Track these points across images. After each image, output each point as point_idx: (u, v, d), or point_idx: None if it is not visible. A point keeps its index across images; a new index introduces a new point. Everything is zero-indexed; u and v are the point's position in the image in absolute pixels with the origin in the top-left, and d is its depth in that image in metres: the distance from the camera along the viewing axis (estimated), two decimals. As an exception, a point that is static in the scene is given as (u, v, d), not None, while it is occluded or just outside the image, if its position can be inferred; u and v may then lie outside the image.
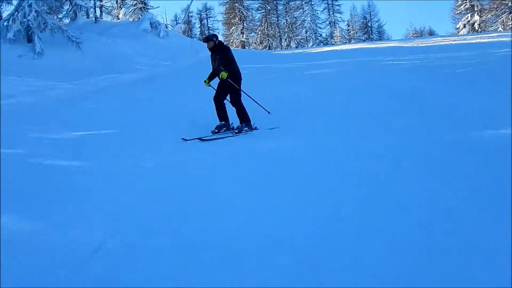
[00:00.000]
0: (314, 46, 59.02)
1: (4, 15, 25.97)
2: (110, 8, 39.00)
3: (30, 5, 22.39)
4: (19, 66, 18.98)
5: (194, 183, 6.31)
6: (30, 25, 22.37)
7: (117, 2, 37.85)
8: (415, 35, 69.30)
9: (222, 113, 9.52)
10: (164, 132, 9.75)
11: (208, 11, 74.70)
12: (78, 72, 19.72)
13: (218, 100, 9.54)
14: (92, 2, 35.56)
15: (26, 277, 3.96)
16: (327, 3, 67.54)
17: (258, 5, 67.78)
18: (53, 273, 3.96)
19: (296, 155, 7.31)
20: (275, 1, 67.17)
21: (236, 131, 9.29)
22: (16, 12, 23.01)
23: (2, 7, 26.53)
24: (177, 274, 3.89)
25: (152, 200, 5.71)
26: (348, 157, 6.95)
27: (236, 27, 65.45)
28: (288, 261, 3.93)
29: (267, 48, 63.39)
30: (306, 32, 65.16)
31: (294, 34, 64.92)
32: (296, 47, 59.58)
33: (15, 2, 23.91)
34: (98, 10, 37.15)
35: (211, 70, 9.97)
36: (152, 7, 37.06)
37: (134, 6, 36.35)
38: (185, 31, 53.53)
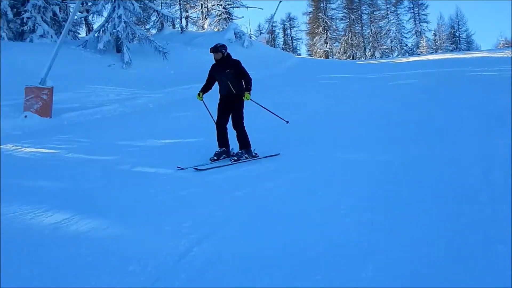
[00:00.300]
0: (399, 56, 57.74)
1: (95, 26, 27.02)
2: (196, 18, 39.84)
3: (119, 16, 23.12)
4: (108, 76, 19.61)
5: (272, 195, 6.22)
6: (119, 35, 23.09)
7: (202, 12, 38.53)
8: (506, 45, 66.26)
9: (224, 139, 8.46)
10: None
11: (291, 21, 74.96)
12: (164, 81, 20.14)
13: (223, 125, 8.45)
14: (178, 12, 36.44)
15: (109, 283, 3.99)
16: (413, 12, 65.94)
17: (342, 14, 67.22)
18: (138, 279, 4.01)
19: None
20: (359, 11, 66.42)
21: (235, 158, 8.20)
22: (106, 23, 23.84)
23: (93, 18, 27.59)
24: (259, 282, 3.86)
25: (234, 210, 5.71)
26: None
27: (320, 37, 65.10)
28: None
29: (351, 58, 62.58)
30: (391, 41, 63.87)
31: (379, 44, 63.86)
32: (381, 57, 58.49)
33: (105, 14, 24.76)
34: (184, 20, 38.05)
35: (209, 83, 8.89)
36: (237, 17, 37.35)
37: (219, 16, 36.81)
38: (268, 40, 53.79)
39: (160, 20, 32.07)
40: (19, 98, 13.88)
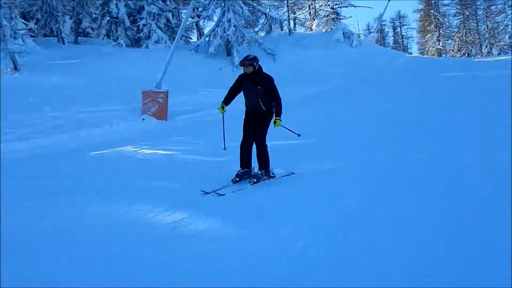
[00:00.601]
0: (519, 52, 54.61)
1: (206, 31, 27.80)
2: (303, 19, 39.87)
3: (229, 20, 23.61)
4: (219, 79, 20.02)
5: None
6: (229, 39, 23.59)
7: (310, 13, 38.50)
8: None
9: (248, 159, 7.65)
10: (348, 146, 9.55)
11: (401, 19, 72.99)
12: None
13: (249, 144, 7.64)
14: (286, 14, 36.62)
15: (228, 283, 4.10)
16: (534, 4, 62.26)
17: (455, 11, 64.29)
18: (255, 280, 4.10)
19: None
20: (474, 6, 63.46)
21: (254, 180, 7.41)
22: (217, 28, 24.42)
23: (204, 23, 28.39)
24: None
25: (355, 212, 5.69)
26: None
27: (432, 35, 62.89)
28: None
29: (466, 55, 59.98)
30: (510, 37, 60.60)
31: (496, 40, 60.64)
32: (498, 54, 55.58)
33: (215, 18, 25.39)
34: (291, 22, 38.17)
35: (244, 96, 7.81)
36: (345, 17, 36.82)
37: (327, 16, 36.53)
38: (378, 40, 52.89)
39: (268, 22, 32.38)
40: (138, 102, 14.54)
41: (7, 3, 18.78)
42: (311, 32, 36.22)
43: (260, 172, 7.52)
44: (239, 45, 24.14)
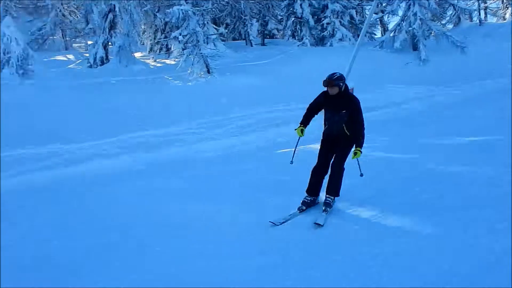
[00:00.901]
0: None
1: (390, 26, 27.38)
2: (495, 9, 37.43)
3: (415, 14, 22.98)
4: (405, 74, 19.64)
5: None
6: (415, 33, 22.94)
7: (503, 2, 36.05)
8: None
9: (318, 188, 6.94)
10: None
11: None
12: (463, 77, 19.37)
13: (322, 172, 6.89)
14: (476, 4, 34.72)
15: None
16: None
17: None
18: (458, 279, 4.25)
19: None
20: None
21: (328, 209, 6.64)
22: (402, 22, 23.90)
23: (388, 18, 27.94)
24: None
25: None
26: None
27: None
28: None
29: None
30: None
31: None
32: None
33: (400, 13, 24.85)
34: (482, 12, 36.09)
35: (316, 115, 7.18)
36: (543, 3, 34.01)
37: (524, 4, 34.05)
38: None
39: (456, 13, 30.96)
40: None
41: (200, 10, 20.01)
42: (504, 21, 33.91)
43: (331, 199, 6.76)
44: (425, 39, 23.35)
